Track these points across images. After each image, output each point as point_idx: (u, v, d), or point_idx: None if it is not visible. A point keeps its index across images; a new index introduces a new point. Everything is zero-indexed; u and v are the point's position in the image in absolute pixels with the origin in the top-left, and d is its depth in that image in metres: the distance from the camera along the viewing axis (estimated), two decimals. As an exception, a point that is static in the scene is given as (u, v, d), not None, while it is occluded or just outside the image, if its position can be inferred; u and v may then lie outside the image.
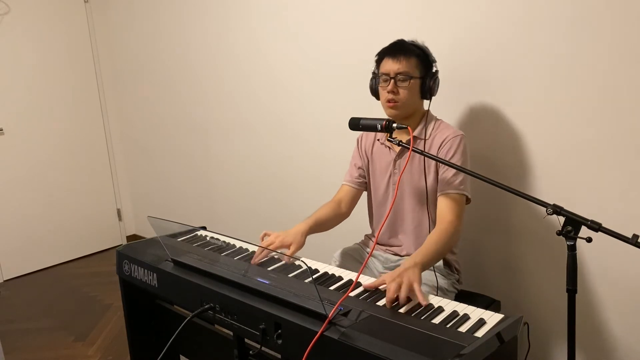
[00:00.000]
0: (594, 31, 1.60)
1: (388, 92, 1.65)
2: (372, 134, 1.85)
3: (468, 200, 1.69)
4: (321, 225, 1.77)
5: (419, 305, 1.26)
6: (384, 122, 1.51)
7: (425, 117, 1.73)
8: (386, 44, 1.70)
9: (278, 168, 2.81)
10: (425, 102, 1.74)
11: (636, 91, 1.56)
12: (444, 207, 1.63)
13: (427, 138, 1.70)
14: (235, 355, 1.59)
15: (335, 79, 2.40)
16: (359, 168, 1.88)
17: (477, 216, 2.00)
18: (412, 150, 1.47)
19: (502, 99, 1.85)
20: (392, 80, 1.64)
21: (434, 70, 1.69)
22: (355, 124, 1.59)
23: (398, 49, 1.66)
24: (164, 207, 3.79)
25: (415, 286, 1.28)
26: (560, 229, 1.21)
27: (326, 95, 2.46)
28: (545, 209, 1.22)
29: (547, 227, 1.82)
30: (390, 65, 1.65)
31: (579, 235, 1.19)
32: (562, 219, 1.21)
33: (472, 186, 1.94)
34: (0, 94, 3.45)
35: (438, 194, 1.67)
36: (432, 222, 1.71)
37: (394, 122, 1.52)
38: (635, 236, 1.14)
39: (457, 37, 1.92)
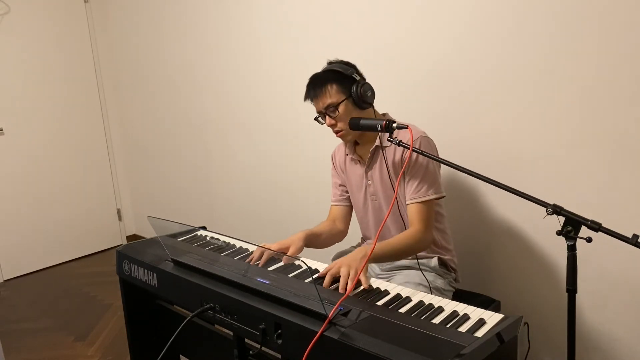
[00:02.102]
0: (596, 27, 1.60)
1: (329, 126, 1.68)
2: (342, 149, 1.86)
3: (442, 196, 1.69)
4: (318, 237, 1.77)
5: (419, 304, 1.26)
6: (384, 122, 1.51)
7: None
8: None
9: (278, 168, 2.81)
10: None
11: (636, 90, 1.56)
12: (413, 215, 1.64)
13: (386, 145, 1.68)
14: (235, 355, 1.59)
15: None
16: (340, 185, 1.88)
17: (476, 216, 2.00)
18: (413, 150, 1.47)
19: (503, 100, 1.85)
20: (326, 116, 1.66)
21: (357, 80, 1.64)
22: (356, 124, 1.59)
23: (311, 87, 1.67)
24: (164, 207, 3.79)
25: (361, 275, 1.38)
26: (560, 229, 1.21)
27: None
28: (545, 209, 1.22)
29: (547, 227, 1.82)
30: (316, 106, 1.68)
31: (579, 235, 1.19)
32: (562, 219, 1.21)
33: (472, 186, 1.95)
34: (0, 94, 3.45)
35: (407, 203, 1.67)
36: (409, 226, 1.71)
37: (394, 121, 1.51)
38: (635, 236, 1.14)
39: (452, 37, 1.92)
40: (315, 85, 1.66)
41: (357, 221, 1.90)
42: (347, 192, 1.88)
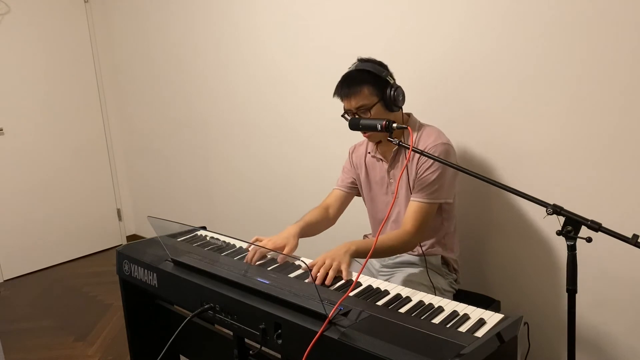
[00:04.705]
0: (591, 29, 1.60)
1: None
2: (363, 147, 1.86)
3: (448, 202, 1.70)
4: (311, 227, 1.78)
5: (419, 304, 1.26)
6: (384, 122, 1.51)
7: (406, 124, 1.71)
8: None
9: (278, 168, 2.81)
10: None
11: (636, 91, 1.56)
12: (409, 213, 1.65)
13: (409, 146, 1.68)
14: (235, 355, 1.59)
15: (338, 78, 2.40)
16: (351, 177, 1.89)
17: (477, 217, 2.00)
18: (413, 150, 1.47)
19: (502, 100, 1.85)
20: (355, 115, 1.64)
21: (391, 84, 1.64)
22: (355, 124, 1.59)
23: (346, 87, 1.64)
24: (164, 207, 3.79)
25: (343, 266, 1.45)
26: (560, 229, 1.21)
27: (328, 94, 2.46)
28: (545, 209, 1.22)
29: (547, 227, 1.82)
30: (347, 104, 1.65)
31: (579, 235, 1.19)
32: (562, 219, 1.21)
33: (472, 187, 1.95)
34: (0, 94, 3.45)
35: (411, 199, 1.67)
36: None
37: (394, 122, 1.51)
38: (635, 236, 1.14)
39: (453, 39, 1.92)
40: (349, 84, 1.63)
41: (357, 216, 1.90)
42: (355, 183, 1.88)
